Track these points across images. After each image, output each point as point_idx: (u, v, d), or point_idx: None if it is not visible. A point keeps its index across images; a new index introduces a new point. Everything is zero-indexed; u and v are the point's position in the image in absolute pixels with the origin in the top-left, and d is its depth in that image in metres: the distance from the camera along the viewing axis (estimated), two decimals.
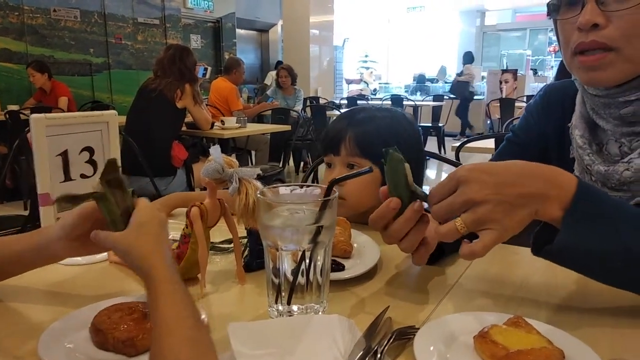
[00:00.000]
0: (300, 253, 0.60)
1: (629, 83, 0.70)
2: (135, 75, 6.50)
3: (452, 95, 9.04)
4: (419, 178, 1.09)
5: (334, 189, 0.61)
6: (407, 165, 0.64)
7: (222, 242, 0.88)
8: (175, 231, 0.77)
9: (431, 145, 7.40)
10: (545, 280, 0.74)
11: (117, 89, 6.49)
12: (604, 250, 0.55)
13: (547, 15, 0.74)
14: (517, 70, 8.14)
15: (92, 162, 0.86)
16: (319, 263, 0.62)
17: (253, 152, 5.15)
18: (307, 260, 0.61)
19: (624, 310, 0.63)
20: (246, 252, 0.79)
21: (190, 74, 3.11)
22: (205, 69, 3.47)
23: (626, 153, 0.74)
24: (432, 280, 0.76)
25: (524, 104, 5.59)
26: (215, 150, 0.66)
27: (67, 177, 0.84)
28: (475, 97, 9.32)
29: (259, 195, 0.60)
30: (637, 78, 0.69)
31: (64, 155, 0.83)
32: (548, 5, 0.74)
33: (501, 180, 0.56)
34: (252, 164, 5.25)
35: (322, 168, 1.12)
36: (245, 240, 0.80)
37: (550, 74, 10.16)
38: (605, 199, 0.57)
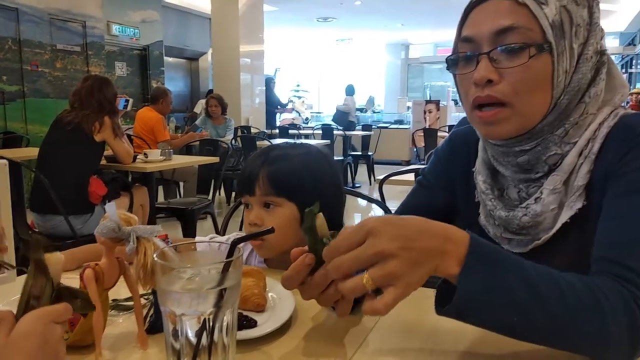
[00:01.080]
0: (203, 318, 0.56)
1: (522, 135, 0.74)
2: (53, 105, 6.14)
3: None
4: (339, 212, 1.09)
5: (237, 247, 0.59)
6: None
7: (127, 299, 0.82)
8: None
9: (362, 173, 7.57)
10: (454, 326, 0.75)
11: (32, 119, 6.09)
12: (500, 309, 0.56)
13: (447, 69, 0.78)
14: (439, 100, 8.59)
15: None
16: (225, 323, 0.59)
17: (181, 184, 5.00)
18: (211, 324, 0.57)
19: (528, 354, 0.65)
20: (151, 312, 0.74)
21: (110, 106, 2.97)
22: (127, 101, 3.32)
23: (524, 198, 0.78)
24: (347, 332, 0.75)
25: (446, 134, 5.88)
26: (110, 208, 0.62)
27: None
28: (402, 126, 9.71)
29: (155, 258, 0.57)
30: (531, 130, 0.73)
31: None
32: (447, 60, 0.77)
33: (408, 234, 0.55)
34: (180, 195, 5.09)
35: None
36: (151, 297, 0.76)
37: None
38: (496, 256, 0.58)
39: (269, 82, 9.19)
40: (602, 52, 0.74)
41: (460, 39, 0.75)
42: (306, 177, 1.01)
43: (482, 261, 0.56)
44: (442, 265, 0.56)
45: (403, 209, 0.95)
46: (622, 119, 0.73)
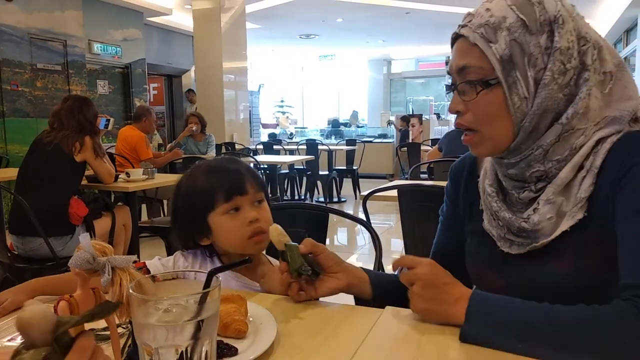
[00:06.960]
0: (180, 351, 0.55)
1: (504, 150, 0.80)
2: (34, 124, 6.07)
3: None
4: None
5: (215, 277, 0.58)
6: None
7: (105, 329, 0.80)
8: None
9: (347, 187, 7.58)
10: (437, 347, 0.75)
11: (12, 139, 6.01)
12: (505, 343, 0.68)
13: (446, 94, 0.86)
14: (422, 114, 8.68)
15: None
16: (203, 354, 0.58)
17: (165, 201, 4.94)
18: (189, 355, 0.56)
19: None
20: (129, 342, 0.73)
21: (91, 126, 2.94)
22: (108, 121, 3.29)
23: (526, 204, 0.82)
24: (331, 356, 0.74)
25: (429, 148, 5.93)
26: (84, 239, 0.60)
27: None
28: (386, 140, 9.78)
29: (130, 290, 0.55)
30: (507, 149, 0.79)
31: None
32: (445, 85, 0.85)
33: (434, 286, 0.79)
34: (164, 214, 5.03)
35: None
36: (129, 326, 0.74)
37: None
38: (494, 305, 0.72)
39: None
40: (583, 69, 0.74)
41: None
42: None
43: (481, 311, 0.72)
44: (450, 315, 0.76)
45: (435, 248, 1.05)
46: (626, 136, 0.74)
